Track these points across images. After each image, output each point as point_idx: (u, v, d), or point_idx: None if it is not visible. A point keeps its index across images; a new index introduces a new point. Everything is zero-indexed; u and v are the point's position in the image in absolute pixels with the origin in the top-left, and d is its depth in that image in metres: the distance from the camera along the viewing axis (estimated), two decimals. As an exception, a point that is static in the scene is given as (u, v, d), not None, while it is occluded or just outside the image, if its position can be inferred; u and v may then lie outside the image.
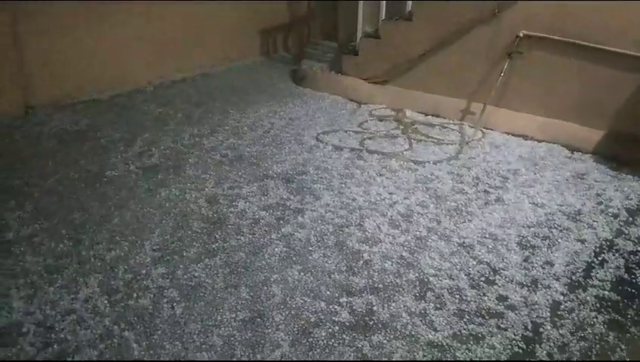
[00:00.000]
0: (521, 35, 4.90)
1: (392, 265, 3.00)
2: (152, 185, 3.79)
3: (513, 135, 4.92)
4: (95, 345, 2.37)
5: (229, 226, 3.33)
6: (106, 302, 2.63)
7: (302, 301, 2.69)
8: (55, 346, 2.36)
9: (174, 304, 2.64)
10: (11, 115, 4.78)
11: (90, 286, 2.74)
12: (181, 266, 2.93)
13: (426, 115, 5.34)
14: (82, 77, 5.35)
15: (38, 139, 4.44)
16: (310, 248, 3.13)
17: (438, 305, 2.71)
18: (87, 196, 3.60)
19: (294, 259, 3.04)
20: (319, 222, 3.40)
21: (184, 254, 3.04)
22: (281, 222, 3.40)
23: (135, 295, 2.69)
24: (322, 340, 2.45)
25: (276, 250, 3.11)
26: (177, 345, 2.39)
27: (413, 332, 2.52)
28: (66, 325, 2.48)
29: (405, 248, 3.16)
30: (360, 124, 5.09)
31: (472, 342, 2.48)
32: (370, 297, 2.73)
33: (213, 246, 3.13)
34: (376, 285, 2.83)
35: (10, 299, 2.63)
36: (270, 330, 2.49)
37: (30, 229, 3.20)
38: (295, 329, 2.51)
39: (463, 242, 3.25)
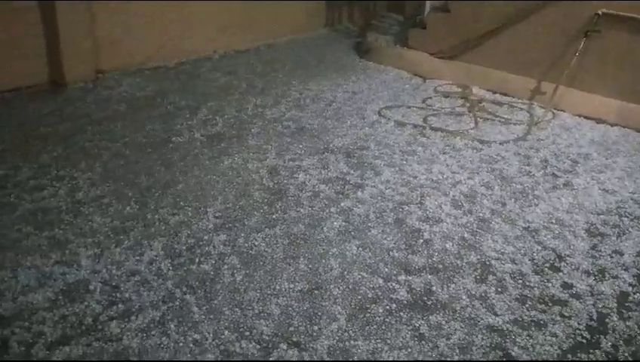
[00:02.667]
0: (600, 13, 4.65)
1: (452, 245, 2.95)
2: (215, 153, 3.84)
3: (585, 117, 4.72)
4: (157, 307, 2.44)
5: (289, 198, 3.34)
6: (169, 265, 2.70)
7: (360, 276, 2.69)
8: (120, 305, 2.44)
9: (235, 271, 2.69)
10: (83, 79, 4.93)
11: (155, 249, 2.82)
12: (242, 234, 2.97)
13: (494, 93, 5.18)
14: (150, 44, 5.44)
15: (108, 103, 4.57)
16: (369, 224, 3.11)
17: (500, 289, 2.65)
18: (153, 161, 3.69)
19: (353, 234, 3.02)
20: (379, 198, 3.37)
21: (245, 223, 3.08)
22: (341, 196, 3.38)
23: (197, 260, 2.75)
24: (379, 316, 2.44)
25: (335, 223, 3.11)
26: (237, 311, 2.43)
27: (472, 315, 2.47)
28: (130, 285, 2.56)
29: (467, 229, 3.10)
30: (424, 99, 4.99)
31: (533, 329, 2.42)
32: (429, 277, 2.70)
33: (274, 216, 3.15)
34: (435, 265, 2.79)
35: (79, 257, 2.74)
36: (327, 303, 2.50)
37: (99, 190, 3.31)
38: (352, 303, 2.51)
39: (528, 226, 3.16)
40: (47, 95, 4.66)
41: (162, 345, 2.23)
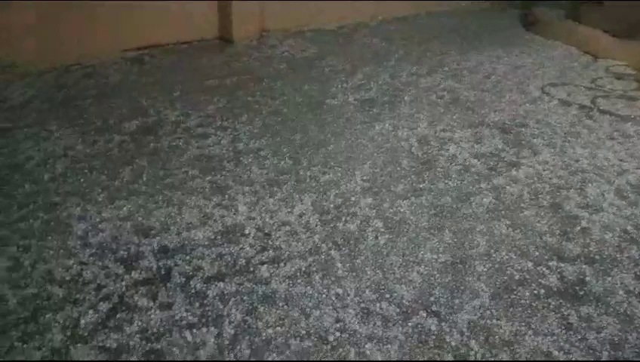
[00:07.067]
0: None
1: (613, 237, 2.74)
2: (367, 117, 3.87)
3: None
4: (304, 257, 2.55)
5: (438, 169, 3.30)
6: (317, 220, 2.80)
7: (507, 256, 2.60)
8: (270, 251, 2.58)
9: (378, 234, 2.72)
10: (249, 37, 5.19)
11: (305, 203, 2.93)
12: (388, 200, 2.99)
13: (676, 78, 4.67)
14: (312, 6, 5.57)
15: (270, 61, 4.78)
16: (522, 205, 2.98)
17: (663, 290, 2.43)
18: (307, 120, 3.81)
19: (503, 213, 2.92)
20: (535, 179, 3.21)
21: (391, 188, 3.09)
22: (493, 172, 3.27)
23: (343, 219, 2.82)
24: (525, 300, 2.35)
25: (484, 200, 3.02)
26: (378, 273, 2.47)
27: (628, 312, 2.30)
28: (281, 234, 2.70)
29: (631, 222, 2.86)
30: (593, 80, 4.62)
31: (697, 337, 2.21)
32: (583, 267, 2.54)
33: (420, 185, 3.13)
34: (592, 255, 2.62)
35: (237, 203, 2.93)
36: (471, 279, 2.46)
37: (257, 143, 3.50)
38: (497, 283, 2.44)
39: None
40: (216, 49, 4.98)
41: (307, 294, 2.33)
